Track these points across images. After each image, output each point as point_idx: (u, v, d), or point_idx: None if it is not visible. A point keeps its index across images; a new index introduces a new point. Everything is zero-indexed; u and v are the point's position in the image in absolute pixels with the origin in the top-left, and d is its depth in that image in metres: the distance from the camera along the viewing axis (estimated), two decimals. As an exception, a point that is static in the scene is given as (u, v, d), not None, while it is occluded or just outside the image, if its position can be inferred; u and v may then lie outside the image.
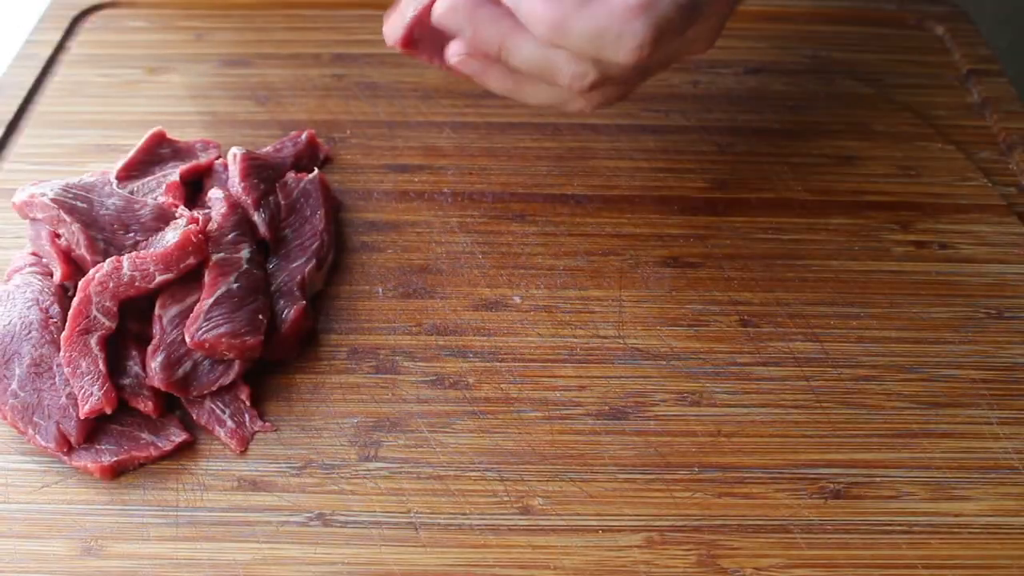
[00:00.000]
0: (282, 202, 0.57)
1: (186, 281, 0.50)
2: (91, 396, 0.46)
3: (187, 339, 0.48)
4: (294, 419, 0.49)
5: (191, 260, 0.50)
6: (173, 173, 0.56)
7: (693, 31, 0.48)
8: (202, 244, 0.50)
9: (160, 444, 0.47)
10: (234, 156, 0.57)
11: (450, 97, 0.67)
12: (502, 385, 0.50)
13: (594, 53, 0.47)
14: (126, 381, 0.48)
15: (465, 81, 0.68)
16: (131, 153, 0.57)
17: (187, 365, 0.49)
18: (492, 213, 0.59)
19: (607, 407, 0.50)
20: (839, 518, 0.45)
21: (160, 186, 0.56)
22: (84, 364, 0.47)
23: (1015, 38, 0.92)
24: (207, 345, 0.48)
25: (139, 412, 0.48)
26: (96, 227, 0.51)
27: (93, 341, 0.47)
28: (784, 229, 0.59)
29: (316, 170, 0.59)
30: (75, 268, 0.51)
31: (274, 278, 0.53)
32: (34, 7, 0.75)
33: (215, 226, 0.52)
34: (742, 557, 0.44)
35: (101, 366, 0.47)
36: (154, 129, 0.59)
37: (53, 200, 0.51)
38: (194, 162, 0.58)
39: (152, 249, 0.50)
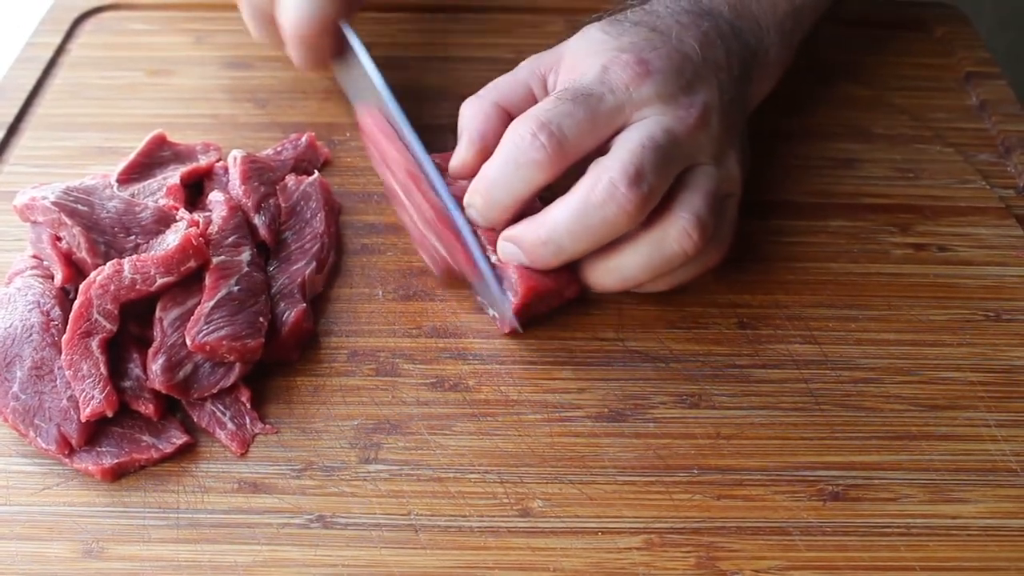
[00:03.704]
0: (282, 205, 0.57)
1: (187, 284, 0.50)
2: (92, 399, 0.47)
3: (188, 342, 0.48)
4: (294, 421, 0.49)
5: (192, 263, 0.50)
6: (174, 176, 0.57)
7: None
8: (202, 247, 0.50)
9: (161, 446, 0.47)
10: (234, 159, 0.58)
11: (450, 99, 0.67)
12: (502, 387, 0.50)
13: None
14: (127, 384, 0.48)
15: (465, 83, 0.69)
16: (132, 156, 0.58)
17: (188, 368, 0.49)
18: (492, 215, 0.59)
19: (606, 409, 0.50)
20: (838, 520, 0.46)
21: (161, 189, 0.56)
22: (85, 367, 0.47)
23: (1014, 40, 0.92)
24: (208, 348, 0.48)
25: (140, 414, 0.48)
26: (97, 230, 0.52)
27: (94, 344, 0.48)
28: (783, 231, 0.59)
29: (316, 173, 0.59)
30: (76, 271, 0.51)
31: (274, 281, 0.53)
32: (35, 9, 0.75)
33: (215, 229, 0.52)
34: (741, 559, 0.44)
35: (102, 369, 0.47)
36: (155, 132, 0.59)
37: (54, 203, 0.51)
38: (195, 165, 0.58)
39: (153, 252, 0.51)
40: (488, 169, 0.50)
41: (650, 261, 0.50)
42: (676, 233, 0.49)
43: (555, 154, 0.48)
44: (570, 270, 0.52)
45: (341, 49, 0.60)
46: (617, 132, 0.50)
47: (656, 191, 0.48)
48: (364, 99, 0.59)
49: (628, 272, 0.50)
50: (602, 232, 0.48)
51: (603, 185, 0.47)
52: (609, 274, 0.51)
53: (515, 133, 0.49)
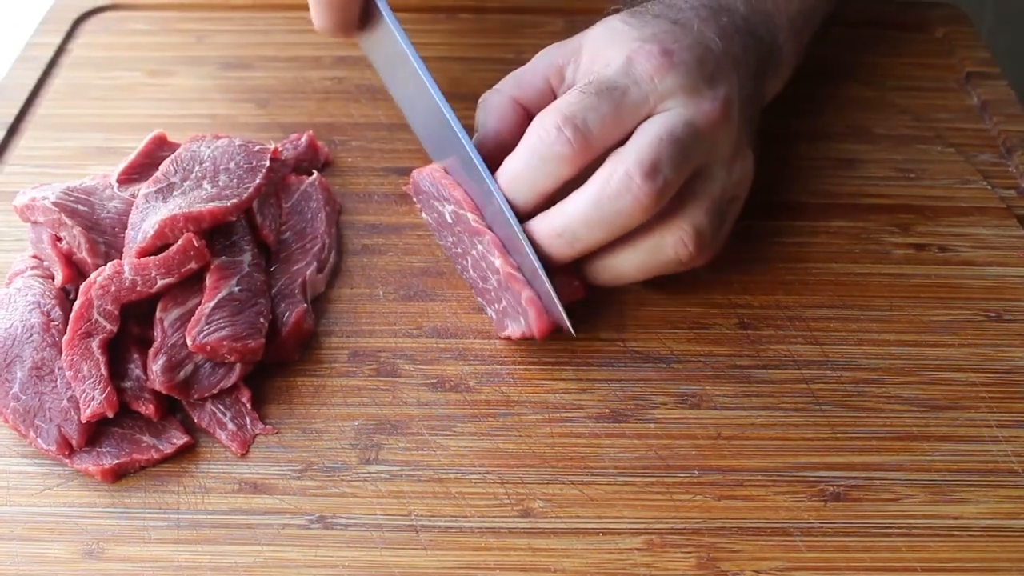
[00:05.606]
0: (283, 205, 0.57)
1: (187, 284, 0.50)
2: (92, 399, 0.46)
3: (188, 342, 0.48)
4: (295, 422, 0.49)
5: (192, 264, 0.50)
6: (174, 176, 0.57)
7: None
8: (203, 248, 0.50)
9: (161, 447, 0.47)
10: (235, 159, 0.57)
11: (451, 99, 0.67)
12: (502, 388, 0.50)
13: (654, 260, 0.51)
14: (127, 384, 0.48)
15: (465, 83, 0.69)
16: (132, 156, 0.57)
17: (188, 368, 0.49)
18: (492, 216, 0.59)
19: (607, 410, 0.50)
20: (839, 521, 0.45)
21: (161, 189, 0.56)
22: (85, 367, 0.47)
23: (1015, 40, 0.92)
24: (208, 348, 0.48)
25: (140, 415, 0.48)
26: (97, 230, 0.52)
27: (94, 344, 0.48)
28: (784, 232, 0.59)
29: (316, 173, 0.59)
30: (76, 271, 0.51)
31: (275, 281, 0.53)
32: (35, 9, 0.75)
33: (216, 229, 0.52)
34: (742, 560, 0.44)
35: (102, 369, 0.47)
36: (155, 132, 0.59)
37: (54, 203, 0.51)
38: (195, 165, 0.58)
39: (153, 252, 0.50)
40: (511, 163, 0.50)
41: (644, 264, 0.51)
42: (673, 242, 0.50)
43: (580, 148, 0.48)
44: (575, 274, 0.52)
45: (368, 16, 0.58)
46: (641, 123, 0.49)
47: (671, 185, 0.48)
48: (392, 71, 0.57)
49: (622, 271, 0.51)
50: (616, 223, 0.48)
51: (619, 176, 0.47)
52: (605, 271, 0.52)
53: (540, 127, 0.48)
